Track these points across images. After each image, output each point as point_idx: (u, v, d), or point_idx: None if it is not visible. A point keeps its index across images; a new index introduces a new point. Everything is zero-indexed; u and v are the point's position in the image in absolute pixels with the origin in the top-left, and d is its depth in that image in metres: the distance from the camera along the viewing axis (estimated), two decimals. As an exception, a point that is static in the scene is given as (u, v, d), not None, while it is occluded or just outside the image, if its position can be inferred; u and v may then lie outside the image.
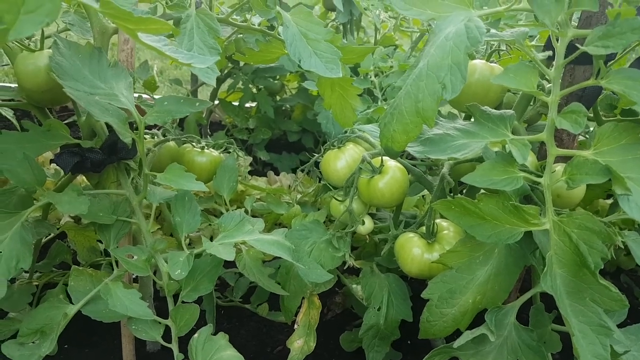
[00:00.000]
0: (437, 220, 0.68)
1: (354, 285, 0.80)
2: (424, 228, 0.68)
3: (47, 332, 0.61)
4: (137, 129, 0.60)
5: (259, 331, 0.95)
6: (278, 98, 1.56)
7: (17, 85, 0.67)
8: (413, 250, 0.65)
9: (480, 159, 0.63)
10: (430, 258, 0.64)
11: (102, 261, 0.92)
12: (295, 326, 0.75)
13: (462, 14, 0.51)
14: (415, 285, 0.89)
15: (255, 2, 0.66)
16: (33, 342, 0.62)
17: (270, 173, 1.27)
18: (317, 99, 1.32)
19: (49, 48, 0.66)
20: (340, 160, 0.77)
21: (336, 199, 0.77)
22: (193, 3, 0.64)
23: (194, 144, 0.89)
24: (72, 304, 0.62)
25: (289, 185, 1.24)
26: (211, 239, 0.64)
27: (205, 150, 0.89)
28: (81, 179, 0.90)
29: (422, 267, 0.65)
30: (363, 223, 0.74)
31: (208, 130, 1.56)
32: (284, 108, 1.60)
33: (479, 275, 0.59)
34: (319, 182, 1.20)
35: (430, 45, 0.51)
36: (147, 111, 0.64)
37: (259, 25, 0.78)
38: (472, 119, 0.57)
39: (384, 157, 0.71)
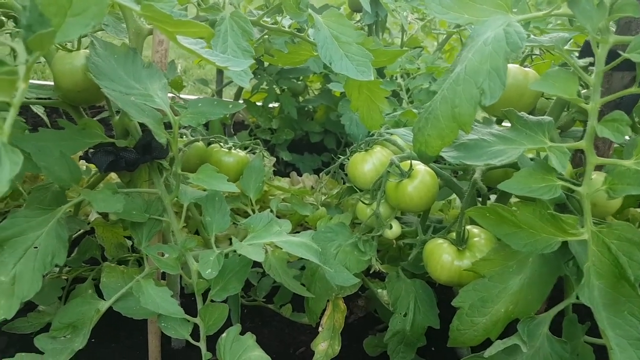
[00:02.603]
0: (468, 227, 0.67)
1: (379, 290, 0.79)
2: (453, 234, 0.68)
3: (79, 327, 0.62)
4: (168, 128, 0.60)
5: (281, 332, 0.95)
6: (301, 99, 1.56)
7: (52, 83, 0.68)
8: (443, 257, 0.64)
9: (512, 166, 0.62)
10: (460, 265, 0.63)
11: (129, 257, 0.94)
12: (320, 328, 0.75)
13: (500, 19, 0.51)
14: (439, 291, 0.88)
15: (288, 5, 0.67)
16: (64, 337, 0.63)
17: (293, 174, 1.28)
18: (341, 100, 1.31)
19: (85, 48, 0.67)
20: (367, 163, 0.77)
21: (363, 202, 0.77)
22: (227, 5, 0.64)
23: (221, 144, 0.90)
24: (104, 300, 0.63)
25: (312, 187, 1.24)
26: (231, 240, 0.65)
27: (232, 151, 0.89)
28: (112, 176, 0.92)
29: (452, 274, 0.64)
30: (391, 227, 0.74)
31: (232, 130, 1.58)
32: (306, 109, 1.60)
33: (512, 284, 0.58)
34: (342, 183, 1.20)
35: (467, 49, 0.51)
36: (179, 112, 0.65)
37: (289, 27, 0.78)
38: (509, 125, 0.56)
39: (413, 161, 0.71)
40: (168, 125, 0.61)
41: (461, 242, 0.65)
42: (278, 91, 1.48)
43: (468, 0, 0.52)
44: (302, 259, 0.74)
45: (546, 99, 0.79)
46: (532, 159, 0.61)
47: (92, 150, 0.65)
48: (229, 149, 0.89)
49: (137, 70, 0.63)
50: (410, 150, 0.75)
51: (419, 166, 0.70)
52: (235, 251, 0.63)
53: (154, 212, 0.66)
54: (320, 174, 0.99)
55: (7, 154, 0.37)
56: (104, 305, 0.62)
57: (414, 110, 0.83)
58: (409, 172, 0.69)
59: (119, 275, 0.64)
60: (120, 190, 0.61)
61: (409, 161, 0.71)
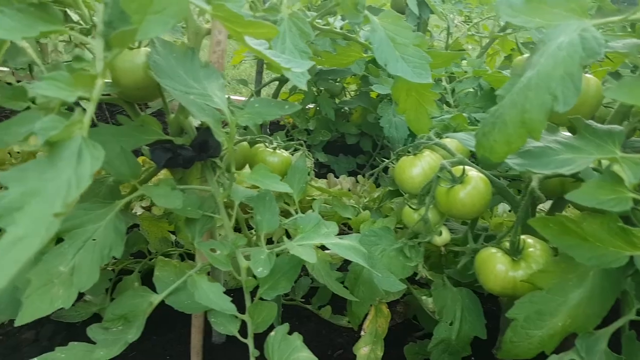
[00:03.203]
0: (522, 237, 0.65)
1: (424, 297, 0.78)
2: (506, 243, 0.66)
3: (131, 319, 0.63)
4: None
5: (319, 333, 0.95)
6: (337, 100, 1.55)
7: (111, 80, 0.70)
8: (497, 267, 0.63)
9: (571, 176, 0.60)
10: (515, 276, 0.62)
11: (172, 251, 0.95)
12: (362, 332, 0.75)
13: (574, 23, 0.49)
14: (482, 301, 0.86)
15: (345, 7, 0.66)
16: (116, 328, 0.65)
17: (330, 175, 1.27)
18: (381, 102, 1.30)
19: (145, 46, 0.68)
20: (415, 167, 0.76)
21: (410, 207, 0.76)
22: (285, 6, 0.64)
23: (266, 144, 0.91)
24: (156, 292, 0.64)
25: (349, 189, 1.23)
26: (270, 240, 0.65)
27: (277, 151, 0.90)
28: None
29: (506, 285, 0.62)
30: (440, 234, 0.72)
31: (268, 130, 1.59)
32: (342, 110, 1.60)
33: (571, 298, 0.56)
34: (378, 186, 1.19)
35: (539, 54, 0.49)
36: (234, 112, 0.65)
37: (341, 28, 0.78)
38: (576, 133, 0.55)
39: (466, 167, 0.69)
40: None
41: (516, 252, 0.64)
42: (316, 92, 1.48)
43: (540, 4, 0.50)
44: (345, 261, 0.74)
45: (604, 106, 0.76)
46: (594, 170, 0.59)
47: (150, 146, 0.65)
48: (274, 149, 0.90)
49: (195, 70, 0.64)
50: (461, 154, 0.74)
51: (472, 172, 0.69)
52: (284, 251, 0.64)
53: (207, 209, 0.67)
54: (366, 175, 0.98)
55: (88, 148, 0.38)
56: (156, 298, 0.63)
57: (464, 115, 0.81)
58: (462, 177, 0.68)
59: (171, 270, 0.65)
60: (177, 187, 0.62)
61: (461, 166, 0.70)
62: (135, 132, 0.66)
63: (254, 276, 0.63)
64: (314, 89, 1.47)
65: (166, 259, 0.67)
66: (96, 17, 0.44)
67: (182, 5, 0.38)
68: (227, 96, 0.63)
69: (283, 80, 1.53)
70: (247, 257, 0.65)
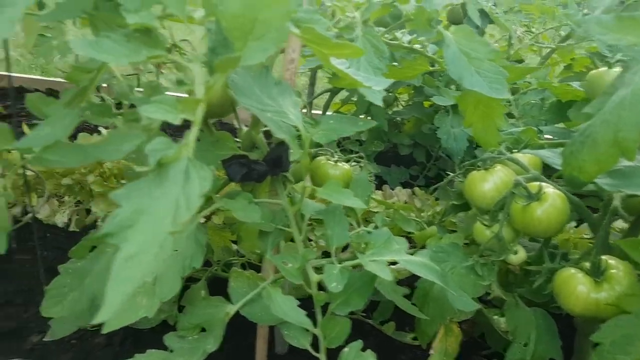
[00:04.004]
0: (604, 257, 0.63)
1: (495, 317, 0.77)
2: (586, 263, 0.64)
3: (207, 328, 0.66)
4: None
5: (380, 348, 0.94)
6: (390, 111, 1.56)
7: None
8: (578, 288, 0.61)
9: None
10: (597, 298, 0.60)
11: (235, 261, 0.98)
12: (431, 351, 0.74)
13: (671, 40, 0.48)
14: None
15: (419, 23, 0.67)
16: (192, 337, 0.67)
17: (386, 187, 1.28)
18: (438, 113, 1.30)
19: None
20: (487, 182, 0.75)
21: (483, 224, 0.75)
22: (360, 24, 0.66)
23: (328, 156, 0.92)
24: (232, 303, 0.66)
25: (405, 201, 1.23)
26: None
27: (338, 164, 0.91)
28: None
29: (587, 307, 0.61)
30: (515, 252, 0.71)
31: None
32: (395, 120, 1.60)
33: (664, 323, 0.54)
34: (435, 200, 1.18)
35: (632, 72, 0.48)
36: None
37: (409, 43, 0.79)
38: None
39: (542, 183, 0.68)
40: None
41: (598, 273, 0.62)
42: (368, 103, 1.49)
43: (633, 22, 0.49)
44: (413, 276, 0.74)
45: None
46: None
47: (226, 161, 0.68)
48: (335, 162, 0.91)
49: (270, 87, 0.66)
50: (534, 170, 0.73)
51: (548, 189, 0.68)
52: (356, 266, 0.64)
53: (278, 222, 0.69)
54: (430, 188, 0.98)
55: (195, 168, 0.41)
56: (232, 309, 0.65)
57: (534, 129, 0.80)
58: (538, 194, 0.67)
59: (245, 281, 0.68)
60: (253, 201, 0.64)
61: (536, 183, 0.68)
62: (212, 148, 0.69)
63: (324, 290, 0.64)
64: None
65: (240, 270, 0.69)
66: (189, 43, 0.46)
67: (282, 32, 0.40)
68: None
69: (334, 92, 1.55)
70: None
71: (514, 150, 0.83)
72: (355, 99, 1.50)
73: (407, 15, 0.71)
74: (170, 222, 0.39)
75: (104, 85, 1.18)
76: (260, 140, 0.72)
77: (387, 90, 1.54)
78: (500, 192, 0.73)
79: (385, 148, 1.59)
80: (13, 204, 1.18)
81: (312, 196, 0.73)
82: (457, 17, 1.35)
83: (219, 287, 0.77)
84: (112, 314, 0.35)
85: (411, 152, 1.54)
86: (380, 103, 0.59)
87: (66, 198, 1.21)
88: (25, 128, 1.20)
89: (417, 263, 0.66)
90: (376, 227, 0.87)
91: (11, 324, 0.93)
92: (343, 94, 1.60)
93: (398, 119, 1.59)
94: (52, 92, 1.84)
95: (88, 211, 1.23)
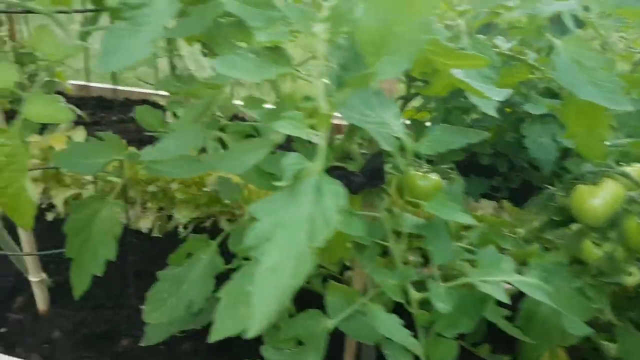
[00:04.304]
0: None
1: (605, 343, 0.72)
2: None
3: (306, 341, 0.67)
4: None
5: (472, 371, 0.92)
6: (469, 118, 1.52)
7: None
8: None
9: None
10: None
11: (317, 272, 0.99)
12: (535, 376, 0.71)
13: None
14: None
15: (529, 30, 0.65)
16: (289, 350, 0.69)
17: (469, 199, 1.25)
18: (525, 121, 1.25)
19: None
20: (597, 198, 0.71)
21: (592, 242, 0.71)
22: (465, 34, 0.65)
23: (416, 167, 0.91)
24: (330, 317, 0.67)
25: (491, 214, 1.20)
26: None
27: (427, 175, 0.90)
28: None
29: None
30: (629, 274, 0.67)
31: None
32: (474, 128, 1.55)
33: None
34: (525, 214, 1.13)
35: None
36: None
37: (510, 50, 0.77)
38: None
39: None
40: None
41: None
42: (446, 110, 1.46)
43: None
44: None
45: None
46: None
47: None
48: (424, 172, 0.90)
49: (369, 98, 0.67)
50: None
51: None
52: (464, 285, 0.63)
53: (375, 236, 0.69)
54: (528, 203, 0.94)
55: (327, 184, 0.42)
56: (331, 323, 0.66)
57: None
58: (662, 213, 0.63)
59: (341, 295, 0.68)
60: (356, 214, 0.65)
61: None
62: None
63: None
64: (445, 106, 1.45)
65: (335, 283, 0.70)
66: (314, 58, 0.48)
67: (415, 46, 0.40)
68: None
69: (408, 98, 1.54)
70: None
71: (621, 164, 0.79)
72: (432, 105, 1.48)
73: (511, 23, 0.69)
74: (305, 236, 0.40)
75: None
76: (355, 151, 0.72)
77: (465, 96, 1.51)
78: (612, 209, 0.69)
79: (464, 157, 1.54)
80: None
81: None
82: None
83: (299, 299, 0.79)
84: (263, 326, 0.36)
85: (492, 161, 1.49)
86: (494, 113, 0.58)
87: (149, 204, 1.28)
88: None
89: (529, 284, 0.63)
90: (471, 243, 0.85)
91: (102, 327, 0.99)
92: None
93: (479, 126, 1.54)
94: (128, 102, 1.96)
95: (169, 217, 1.29)
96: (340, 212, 0.38)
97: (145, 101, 1.89)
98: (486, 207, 1.20)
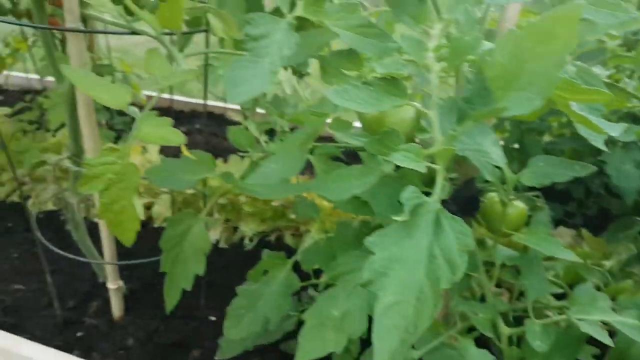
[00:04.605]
0: None
1: None
2: None
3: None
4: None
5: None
6: (544, 140, 1.47)
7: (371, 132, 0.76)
8: None
9: None
10: None
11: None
12: None
13: None
14: None
15: (636, 59, 0.63)
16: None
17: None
18: (608, 146, 1.20)
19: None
20: None
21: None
22: (569, 61, 0.63)
23: (500, 193, 0.89)
24: (415, 349, 0.66)
25: (570, 244, 1.15)
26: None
27: (512, 202, 0.88)
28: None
29: None
30: None
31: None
32: (548, 151, 1.50)
33: None
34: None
35: None
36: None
37: (608, 78, 0.74)
38: None
39: None
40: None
41: None
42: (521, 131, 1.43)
43: None
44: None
45: None
46: None
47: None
48: (509, 199, 0.88)
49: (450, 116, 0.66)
50: None
51: None
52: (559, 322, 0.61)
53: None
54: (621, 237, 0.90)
55: (448, 221, 0.41)
56: (416, 354, 0.65)
57: None
58: None
59: (427, 326, 0.67)
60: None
61: None
62: (395, 183, 0.71)
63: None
64: (519, 128, 1.41)
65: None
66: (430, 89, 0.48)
67: (549, 83, 0.39)
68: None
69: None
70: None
71: None
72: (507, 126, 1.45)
73: (613, 51, 0.67)
74: (424, 273, 0.40)
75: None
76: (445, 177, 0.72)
77: (540, 118, 1.47)
78: None
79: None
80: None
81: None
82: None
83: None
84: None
85: (567, 186, 1.43)
86: (603, 147, 0.56)
87: (217, 215, 1.32)
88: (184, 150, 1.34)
89: (630, 325, 0.60)
90: (557, 275, 0.82)
91: (174, 337, 1.02)
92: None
93: (553, 149, 1.49)
94: (194, 113, 2.04)
95: (235, 229, 1.32)
96: (466, 253, 0.38)
97: (211, 113, 1.95)
98: (564, 235, 1.16)
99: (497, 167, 0.62)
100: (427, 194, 0.72)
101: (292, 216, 1.28)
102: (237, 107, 1.41)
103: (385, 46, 0.48)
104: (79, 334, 1.01)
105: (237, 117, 1.46)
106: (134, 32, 0.66)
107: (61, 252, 0.92)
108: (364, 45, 0.49)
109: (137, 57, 3.55)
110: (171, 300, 0.68)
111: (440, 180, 0.43)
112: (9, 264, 1.21)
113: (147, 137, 0.55)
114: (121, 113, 1.70)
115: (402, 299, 0.39)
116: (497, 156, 0.62)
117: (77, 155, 0.85)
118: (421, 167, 0.43)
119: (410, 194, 0.41)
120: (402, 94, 0.47)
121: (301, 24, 0.52)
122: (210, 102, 1.99)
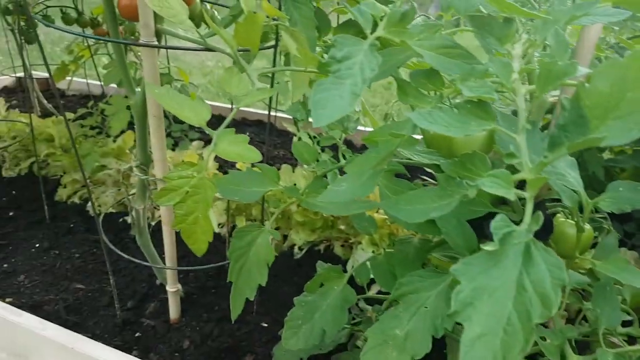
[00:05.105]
0: None
1: None
2: None
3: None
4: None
5: None
6: (605, 157, 1.42)
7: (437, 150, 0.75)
8: None
9: None
10: None
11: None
12: None
13: None
14: None
15: None
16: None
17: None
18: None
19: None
20: None
21: None
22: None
23: (566, 213, 0.86)
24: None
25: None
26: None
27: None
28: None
29: None
30: None
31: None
32: (608, 169, 1.45)
33: None
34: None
35: None
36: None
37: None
38: None
39: None
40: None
41: None
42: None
43: None
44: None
45: None
46: None
47: (483, 220, 0.68)
48: (575, 221, 0.85)
49: (538, 144, 0.64)
50: None
51: None
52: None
53: (533, 291, 0.66)
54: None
55: (539, 252, 0.40)
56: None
57: None
58: None
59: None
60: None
61: None
62: (467, 205, 0.70)
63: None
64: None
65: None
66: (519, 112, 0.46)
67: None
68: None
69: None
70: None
71: None
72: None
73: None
74: (513, 306, 0.39)
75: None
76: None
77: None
78: None
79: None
80: (222, 224, 1.34)
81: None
82: None
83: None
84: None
85: (627, 205, 1.37)
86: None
87: (267, 223, 1.33)
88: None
89: None
90: (624, 301, 0.79)
91: (227, 341, 1.04)
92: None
93: (615, 167, 1.44)
94: (244, 121, 2.07)
95: (284, 237, 1.33)
96: (560, 288, 0.37)
97: (260, 121, 1.98)
98: (626, 257, 1.10)
99: (574, 190, 0.60)
100: (494, 214, 0.70)
101: (342, 227, 1.27)
102: (288, 116, 1.42)
103: (471, 67, 0.47)
104: (137, 334, 1.04)
105: (288, 126, 1.48)
106: (208, 49, 0.68)
107: (125, 256, 0.96)
108: (448, 66, 0.48)
109: (186, 63, 3.65)
110: (236, 309, 0.69)
111: (529, 209, 0.42)
112: (71, 263, 1.26)
113: (225, 154, 0.56)
114: (177, 121, 1.75)
115: (489, 330, 0.38)
116: (575, 180, 0.60)
117: (145, 163, 0.88)
118: (510, 194, 0.42)
119: (500, 223, 0.41)
120: (489, 117, 0.46)
121: (381, 43, 0.52)
122: (259, 110, 2.01)
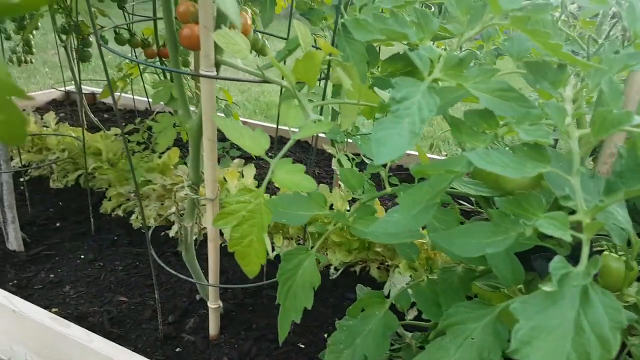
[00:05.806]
0: None
1: None
2: None
3: None
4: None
5: None
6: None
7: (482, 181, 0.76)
8: None
9: None
10: None
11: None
12: None
13: None
14: None
15: None
16: None
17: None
18: None
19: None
20: None
21: None
22: None
23: (609, 246, 0.86)
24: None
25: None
26: None
27: (622, 257, 0.84)
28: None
29: None
30: None
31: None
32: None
33: None
34: None
35: None
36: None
37: None
38: None
39: None
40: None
41: None
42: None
43: None
44: None
45: None
46: None
47: (531, 253, 0.69)
48: (619, 255, 0.84)
49: (586, 181, 0.65)
50: None
51: None
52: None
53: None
54: None
55: (597, 294, 0.42)
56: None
57: None
58: None
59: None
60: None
61: None
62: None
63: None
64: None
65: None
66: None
67: None
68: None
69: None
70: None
71: None
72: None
73: None
74: (571, 345, 0.40)
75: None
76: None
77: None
78: None
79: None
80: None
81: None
82: None
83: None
84: None
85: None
86: None
87: (305, 243, 1.36)
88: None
89: None
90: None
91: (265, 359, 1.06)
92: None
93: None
94: (281, 140, 2.12)
95: (320, 257, 1.35)
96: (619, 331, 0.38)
97: (298, 140, 2.02)
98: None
99: (622, 228, 0.60)
100: (547, 249, 0.71)
101: (378, 249, 1.29)
102: (325, 136, 1.46)
103: (526, 111, 0.49)
104: (177, 349, 1.07)
105: (327, 148, 1.51)
106: (265, 81, 0.72)
107: (171, 271, 1.00)
108: (503, 108, 0.50)
109: (221, 83, 3.76)
110: (283, 331, 0.71)
111: (586, 252, 0.43)
112: (114, 276, 1.31)
113: (282, 183, 0.59)
114: (219, 139, 1.81)
115: (547, 370, 0.39)
116: (623, 218, 0.61)
117: (196, 183, 0.92)
118: (567, 236, 0.44)
119: (558, 264, 0.42)
120: (544, 160, 0.47)
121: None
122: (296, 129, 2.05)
